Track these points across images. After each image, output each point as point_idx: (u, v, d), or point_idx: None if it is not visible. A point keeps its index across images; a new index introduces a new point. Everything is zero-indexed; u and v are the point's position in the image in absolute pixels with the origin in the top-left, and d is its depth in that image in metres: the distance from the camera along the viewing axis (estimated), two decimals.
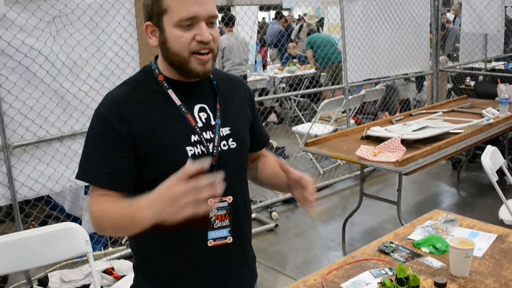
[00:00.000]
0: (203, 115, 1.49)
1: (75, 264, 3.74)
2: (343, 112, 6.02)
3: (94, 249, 3.86)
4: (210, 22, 1.42)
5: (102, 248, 4.02)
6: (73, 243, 2.36)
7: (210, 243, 1.49)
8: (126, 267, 3.57)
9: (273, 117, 8.12)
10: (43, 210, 3.87)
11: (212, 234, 1.49)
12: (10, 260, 2.23)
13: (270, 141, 6.28)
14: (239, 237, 1.53)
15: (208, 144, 1.47)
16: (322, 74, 8.17)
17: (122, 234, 1.39)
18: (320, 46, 7.65)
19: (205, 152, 1.46)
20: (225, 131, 1.52)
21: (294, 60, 9.12)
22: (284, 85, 8.93)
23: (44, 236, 2.32)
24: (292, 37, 11.12)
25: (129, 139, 1.40)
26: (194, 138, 1.45)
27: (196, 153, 1.45)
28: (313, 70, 8.54)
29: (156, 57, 1.53)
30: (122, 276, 3.44)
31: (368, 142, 3.70)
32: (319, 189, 5.39)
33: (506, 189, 4.88)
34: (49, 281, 3.45)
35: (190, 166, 1.21)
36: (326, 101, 5.72)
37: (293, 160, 6.11)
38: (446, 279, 1.71)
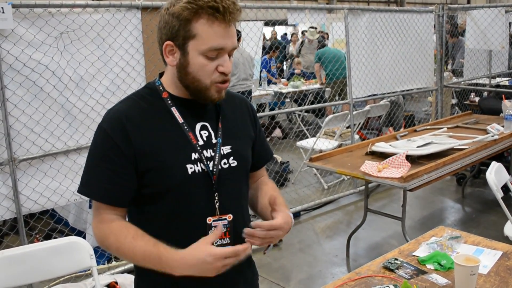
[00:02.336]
0: (205, 133, 1.50)
1: (79, 278, 3.74)
2: (347, 128, 6.03)
3: (97, 263, 3.85)
4: (230, 54, 1.45)
5: (106, 262, 4.02)
6: (77, 257, 2.36)
7: None
8: (129, 281, 3.56)
9: (277, 132, 8.14)
10: (48, 224, 3.87)
11: None
12: (14, 274, 2.23)
13: (275, 156, 6.31)
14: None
15: (208, 162, 1.47)
16: (327, 89, 8.19)
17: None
18: (329, 60, 7.69)
19: (205, 170, 1.46)
20: (226, 149, 1.52)
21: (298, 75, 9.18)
22: (288, 99, 8.97)
23: (49, 250, 2.32)
24: (294, 52, 11.22)
25: (131, 155, 1.41)
26: (194, 156, 1.46)
27: (196, 171, 1.45)
28: (317, 86, 8.56)
29: (161, 74, 1.54)
30: None
31: (373, 157, 3.70)
32: (323, 204, 5.38)
33: (511, 205, 4.86)
34: None
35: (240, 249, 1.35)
36: (330, 116, 5.73)
37: (297, 175, 6.11)
38: None
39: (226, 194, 1.50)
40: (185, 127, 1.47)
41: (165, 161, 1.43)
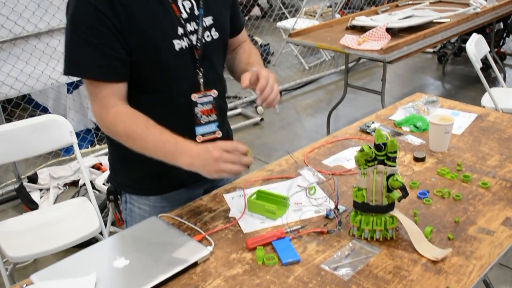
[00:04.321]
0: (187, 4, 1.41)
1: (63, 162, 3.79)
2: (328, 7, 5.88)
3: (81, 146, 3.89)
4: None
5: (89, 145, 4.05)
6: (57, 134, 2.37)
7: (199, 139, 1.47)
8: None
9: (256, 11, 7.86)
10: (26, 110, 3.84)
11: (200, 130, 1.47)
12: None
13: (255, 37, 6.19)
14: (225, 130, 1.51)
15: (191, 36, 1.41)
16: None
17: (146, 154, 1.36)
18: None
19: (190, 45, 1.41)
20: (208, 21, 1.45)
21: None
22: None
23: (29, 128, 2.32)
24: None
25: (119, 26, 1.30)
26: (180, 30, 1.39)
27: (183, 47, 1.39)
28: None
29: None
30: None
31: (353, 32, 3.64)
32: (304, 84, 5.39)
33: (490, 81, 4.91)
34: (38, 177, 3.51)
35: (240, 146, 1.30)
36: None
37: (278, 56, 6.04)
38: (425, 154, 1.75)
39: (210, 69, 1.46)
40: None
41: (152, 38, 1.34)
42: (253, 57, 1.62)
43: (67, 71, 1.36)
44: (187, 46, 1.40)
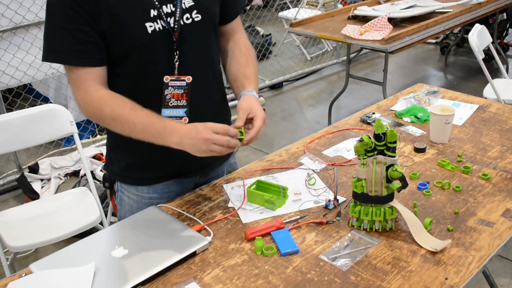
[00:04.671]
0: None
1: (64, 152, 3.79)
2: None
3: (82, 137, 3.89)
4: None
5: (90, 135, 4.05)
6: (57, 124, 2.36)
7: None
8: None
9: (258, 0, 7.83)
10: (27, 100, 3.83)
11: (166, 112, 1.43)
12: None
13: (257, 27, 6.16)
14: (198, 119, 1.39)
15: (168, 18, 1.37)
16: None
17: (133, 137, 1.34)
18: None
19: (166, 27, 1.37)
20: (187, 2, 1.41)
21: None
22: None
23: (29, 117, 2.32)
24: None
25: (89, 12, 1.30)
26: (153, 12, 1.35)
27: (157, 29, 1.36)
28: None
29: None
30: None
31: (355, 22, 3.62)
32: (306, 75, 5.37)
33: (493, 72, 4.89)
34: (39, 168, 3.51)
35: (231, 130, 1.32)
36: None
37: (280, 46, 6.02)
38: (426, 145, 1.75)
39: (190, 52, 1.42)
40: None
41: (122, 21, 1.32)
42: (250, 67, 1.56)
43: (45, 57, 1.36)
44: (161, 28, 1.37)
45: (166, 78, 1.41)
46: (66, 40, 1.32)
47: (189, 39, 1.42)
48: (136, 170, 1.54)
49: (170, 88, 1.42)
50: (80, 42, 1.32)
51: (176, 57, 1.41)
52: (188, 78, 1.43)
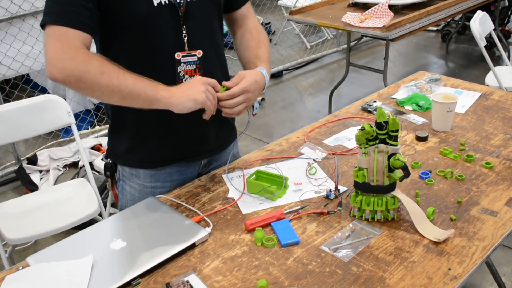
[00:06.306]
0: None
1: (63, 143, 3.77)
2: None
3: (80, 127, 3.87)
4: None
5: (89, 126, 4.02)
6: (55, 114, 2.34)
7: None
8: None
9: None
10: (25, 90, 3.81)
11: None
12: None
13: (257, 16, 6.12)
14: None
15: None
16: None
17: (113, 101, 1.30)
18: None
19: (172, 1, 1.36)
20: None
21: None
22: None
23: (26, 108, 2.29)
24: None
25: None
26: None
27: (162, 3, 1.35)
28: None
29: None
30: None
31: (355, 9, 3.59)
32: (306, 64, 5.33)
33: (495, 59, 4.85)
34: (38, 159, 3.49)
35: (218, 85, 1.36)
36: None
37: (280, 35, 5.98)
38: (428, 133, 1.72)
39: (196, 29, 1.42)
40: None
41: None
42: (262, 48, 1.56)
43: (42, 21, 1.29)
44: (166, 2, 1.36)
45: (178, 55, 1.40)
46: (64, 3, 1.27)
47: (194, 15, 1.41)
48: (140, 151, 1.51)
49: (182, 64, 1.41)
50: (74, 3, 1.27)
51: (184, 32, 1.40)
52: (199, 53, 1.43)
